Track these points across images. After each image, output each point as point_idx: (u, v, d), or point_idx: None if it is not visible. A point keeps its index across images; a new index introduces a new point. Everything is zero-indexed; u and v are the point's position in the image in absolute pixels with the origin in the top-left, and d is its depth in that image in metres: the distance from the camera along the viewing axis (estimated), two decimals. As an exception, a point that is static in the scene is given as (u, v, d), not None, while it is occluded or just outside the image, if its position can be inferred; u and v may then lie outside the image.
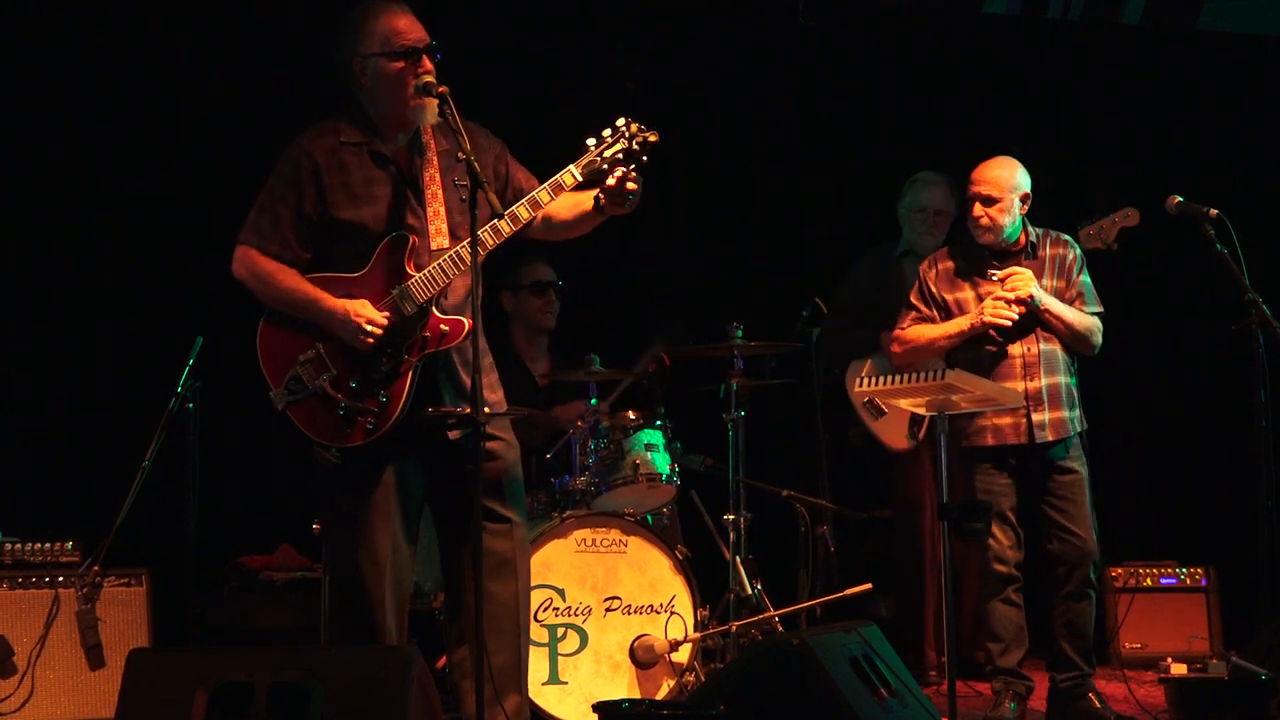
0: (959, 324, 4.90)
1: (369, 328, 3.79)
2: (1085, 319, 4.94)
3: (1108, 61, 7.29)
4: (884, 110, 7.14)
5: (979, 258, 4.96)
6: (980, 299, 4.91)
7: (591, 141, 3.90)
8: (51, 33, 6.00)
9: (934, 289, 5.01)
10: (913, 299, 5.06)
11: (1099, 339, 4.96)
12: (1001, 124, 6.98)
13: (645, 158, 3.89)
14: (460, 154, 3.72)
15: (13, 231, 5.94)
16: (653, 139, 3.90)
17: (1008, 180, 4.90)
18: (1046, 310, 4.86)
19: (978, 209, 4.90)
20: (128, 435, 5.36)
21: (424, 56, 3.86)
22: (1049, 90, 7.24)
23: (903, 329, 5.03)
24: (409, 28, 3.88)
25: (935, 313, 4.99)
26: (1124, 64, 7.29)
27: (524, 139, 5.89)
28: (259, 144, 6.20)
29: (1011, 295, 4.81)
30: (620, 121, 3.91)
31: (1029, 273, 4.85)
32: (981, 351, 4.88)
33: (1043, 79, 7.23)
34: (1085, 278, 5.00)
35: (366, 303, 3.83)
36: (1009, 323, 4.83)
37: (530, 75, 6.50)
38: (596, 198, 3.90)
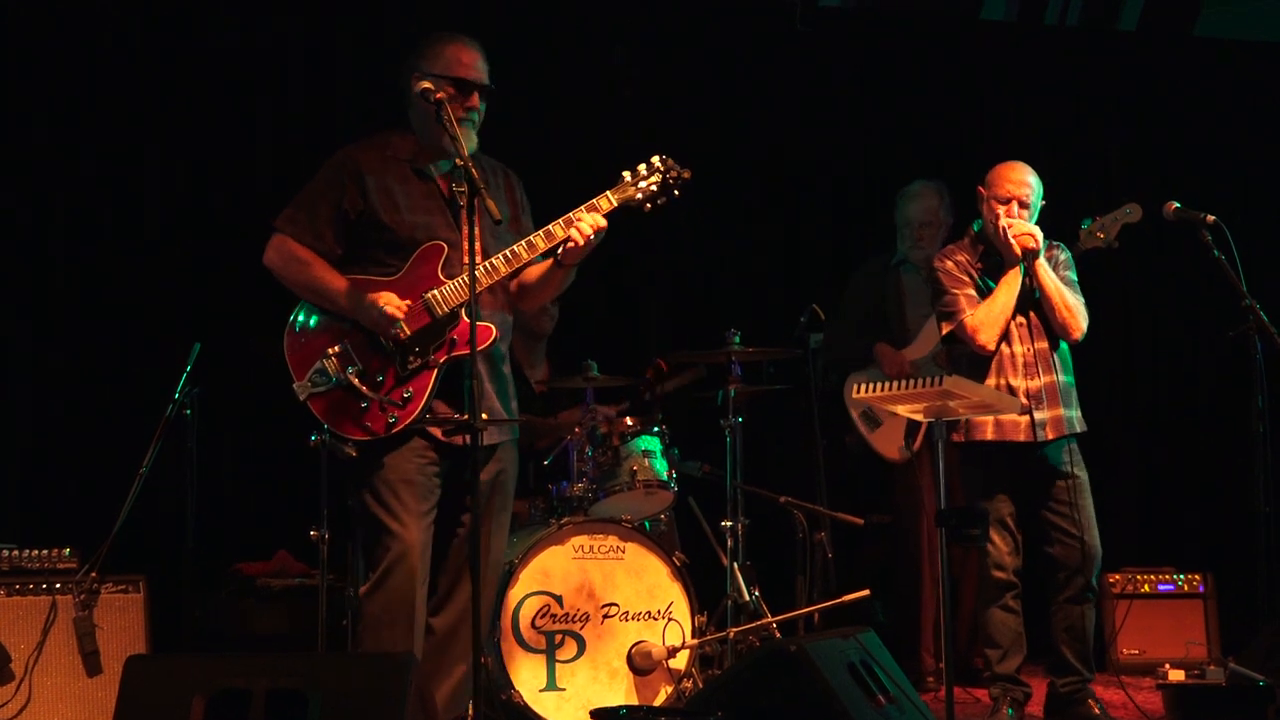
0: (1009, 281, 4.87)
1: (400, 316, 3.91)
2: (1072, 296, 4.93)
3: (1105, 67, 7.29)
4: (881, 116, 7.14)
5: (982, 256, 4.97)
6: (980, 290, 4.91)
7: (627, 175, 4.10)
8: (52, 32, 6.00)
9: (958, 272, 4.99)
10: (952, 287, 4.96)
11: (1084, 324, 4.93)
12: (999, 129, 6.98)
13: (678, 192, 4.10)
14: (470, 166, 3.78)
15: (12, 235, 5.94)
16: (686, 176, 4.11)
17: (1038, 186, 4.96)
18: (1040, 269, 4.86)
19: (1014, 210, 4.90)
20: (125, 442, 5.35)
21: (475, 93, 4.05)
22: (1046, 96, 7.25)
23: (971, 313, 4.91)
24: (472, 62, 4.08)
25: (974, 290, 4.97)
26: (1121, 70, 7.30)
27: (524, 141, 5.91)
28: (260, 146, 6.26)
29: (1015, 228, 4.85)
30: (656, 159, 4.12)
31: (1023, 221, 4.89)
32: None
33: (1039, 85, 7.24)
34: (1073, 274, 5.01)
35: (396, 295, 3.96)
36: (1033, 238, 4.82)
37: (529, 80, 6.49)
38: (557, 256, 4.08)
